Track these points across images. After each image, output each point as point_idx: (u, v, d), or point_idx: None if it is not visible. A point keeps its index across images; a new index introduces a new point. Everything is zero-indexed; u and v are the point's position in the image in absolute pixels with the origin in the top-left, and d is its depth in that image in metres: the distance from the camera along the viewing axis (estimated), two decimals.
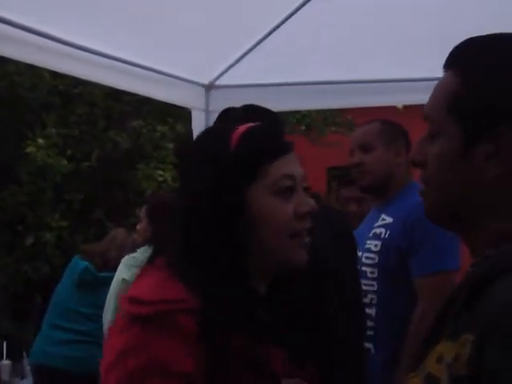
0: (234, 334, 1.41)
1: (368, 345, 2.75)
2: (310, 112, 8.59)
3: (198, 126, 4.26)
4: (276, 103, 4.16)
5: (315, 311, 1.81)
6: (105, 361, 1.40)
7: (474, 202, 1.16)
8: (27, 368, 6.20)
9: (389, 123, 3.06)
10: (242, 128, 1.56)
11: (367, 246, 2.88)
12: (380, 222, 2.93)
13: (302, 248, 1.56)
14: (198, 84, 4.25)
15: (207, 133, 1.66)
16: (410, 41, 3.58)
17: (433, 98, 1.22)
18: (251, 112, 2.37)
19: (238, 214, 1.48)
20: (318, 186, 6.56)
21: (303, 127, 8.86)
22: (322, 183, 7.75)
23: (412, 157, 1.26)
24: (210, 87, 4.30)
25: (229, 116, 2.39)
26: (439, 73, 1.23)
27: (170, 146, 7.95)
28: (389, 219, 2.90)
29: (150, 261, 1.55)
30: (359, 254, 2.79)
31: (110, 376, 1.38)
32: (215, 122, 2.39)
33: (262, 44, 3.96)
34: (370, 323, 2.77)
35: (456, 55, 1.21)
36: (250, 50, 4.01)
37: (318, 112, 8.63)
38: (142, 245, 4.20)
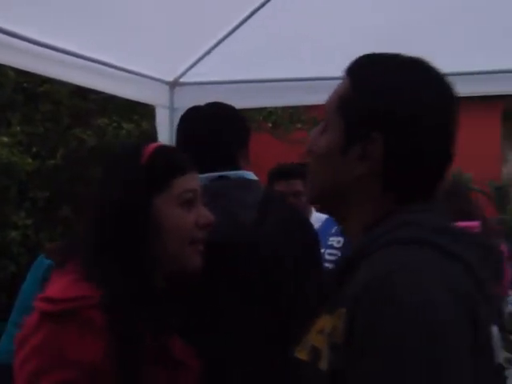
0: (138, 325, 1.57)
1: None
2: (276, 109, 8.62)
3: (163, 123, 4.26)
4: (241, 100, 4.19)
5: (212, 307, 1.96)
6: (18, 356, 1.57)
7: (345, 194, 1.34)
8: None
9: None
10: (153, 145, 1.77)
11: (330, 242, 2.91)
12: None
13: (198, 255, 1.77)
14: (162, 81, 4.24)
15: (125, 146, 1.84)
16: (363, 38, 3.60)
17: (331, 97, 1.40)
18: (214, 110, 2.40)
19: (145, 221, 1.66)
20: None
21: (269, 124, 8.88)
22: None
23: (308, 146, 1.42)
24: (174, 84, 4.29)
25: (193, 115, 2.41)
26: None
27: None
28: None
29: (61, 265, 1.69)
30: (322, 250, 2.81)
31: (22, 370, 1.56)
32: (179, 121, 2.42)
33: (226, 41, 3.97)
34: None
35: (354, 66, 1.39)
36: (215, 46, 4.01)
37: (284, 109, 8.65)
38: None
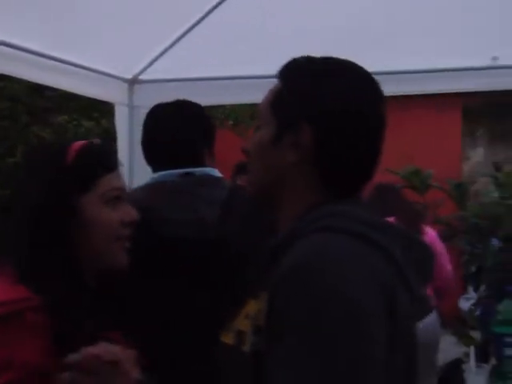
0: (78, 324, 1.59)
1: None
2: (236, 107, 8.61)
3: (122, 121, 4.22)
4: (201, 98, 4.13)
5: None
6: None
7: (279, 184, 1.42)
8: None
9: None
10: (79, 144, 1.77)
11: None
12: None
13: (124, 252, 1.79)
14: (121, 79, 4.19)
15: (48, 145, 1.83)
16: (323, 36, 3.61)
17: (264, 98, 1.48)
18: (180, 108, 2.40)
19: (71, 222, 1.69)
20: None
21: (231, 122, 8.88)
22: None
23: (244, 146, 1.51)
24: (133, 82, 4.25)
25: (158, 112, 2.41)
26: None
27: None
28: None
29: None
30: None
31: None
32: (145, 118, 2.41)
33: (185, 38, 3.94)
34: None
35: (285, 69, 1.47)
36: (174, 43, 3.98)
37: (245, 106, 8.64)
38: None
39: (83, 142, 1.81)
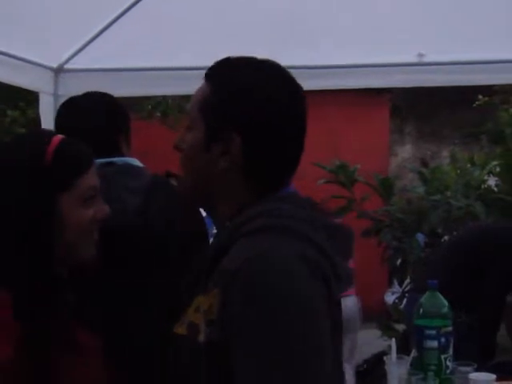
0: (47, 316, 1.63)
1: None
2: (165, 98, 8.56)
3: (47, 110, 4.12)
4: (128, 88, 4.14)
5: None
6: None
7: (211, 186, 1.48)
8: None
9: None
10: (55, 142, 1.77)
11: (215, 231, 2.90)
12: None
13: (92, 244, 1.84)
14: (46, 67, 4.11)
15: (22, 142, 1.86)
16: (252, 28, 3.60)
17: (193, 99, 1.51)
18: (93, 98, 2.39)
19: (48, 219, 1.70)
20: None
21: (158, 114, 8.82)
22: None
23: (175, 142, 1.53)
24: (59, 71, 4.17)
25: (71, 104, 2.40)
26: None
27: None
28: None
29: None
30: (211, 239, 2.81)
31: None
32: (58, 110, 2.40)
33: (112, 27, 3.89)
34: None
35: (212, 71, 1.51)
36: (100, 33, 3.92)
37: (173, 98, 8.60)
38: None
39: (60, 139, 1.80)
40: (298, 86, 1.51)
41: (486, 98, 9.39)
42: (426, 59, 3.47)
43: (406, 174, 12.07)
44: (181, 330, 1.45)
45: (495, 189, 7.24)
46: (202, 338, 1.37)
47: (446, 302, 2.44)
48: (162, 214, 2.19)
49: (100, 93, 2.43)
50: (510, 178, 8.58)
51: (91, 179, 1.83)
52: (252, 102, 1.44)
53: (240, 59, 1.51)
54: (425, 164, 11.82)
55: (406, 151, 13.78)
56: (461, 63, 3.68)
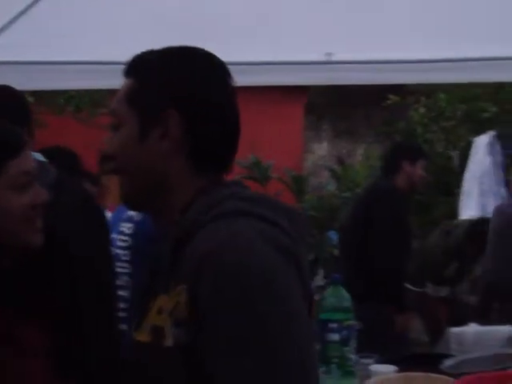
0: None
1: (123, 326, 2.75)
2: (78, 93, 8.43)
3: None
4: (40, 82, 4.06)
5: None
6: None
7: (155, 181, 1.41)
8: None
9: None
10: None
11: (121, 228, 2.89)
12: None
13: (36, 232, 1.78)
14: None
15: None
16: (167, 22, 3.59)
17: (117, 96, 1.45)
18: None
19: None
20: (92, 168, 6.52)
21: (71, 108, 8.68)
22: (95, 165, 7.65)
23: (102, 152, 1.46)
24: None
25: None
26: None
27: None
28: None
29: None
30: (114, 236, 2.81)
31: None
32: None
33: (25, 17, 3.78)
34: (123, 305, 2.77)
35: (136, 62, 1.47)
36: (12, 22, 3.82)
37: (88, 93, 8.48)
38: None
39: None
40: (224, 64, 1.48)
41: (397, 98, 9.58)
42: (334, 58, 3.51)
43: (322, 171, 12.22)
44: (143, 336, 1.36)
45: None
46: (169, 342, 1.28)
47: (348, 296, 2.49)
48: (62, 212, 2.17)
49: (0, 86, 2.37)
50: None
51: (24, 164, 1.76)
52: (183, 77, 1.42)
53: (160, 49, 1.48)
54: (341, 162, 11.98)
55: (322, 149, 13.93)
56: (369, 62, 3.74)
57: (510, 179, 4.79)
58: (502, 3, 3.51)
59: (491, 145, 7.11)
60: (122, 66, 1.49)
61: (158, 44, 1.50)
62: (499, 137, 7.16)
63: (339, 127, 13.71)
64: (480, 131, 7.64)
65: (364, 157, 10.56)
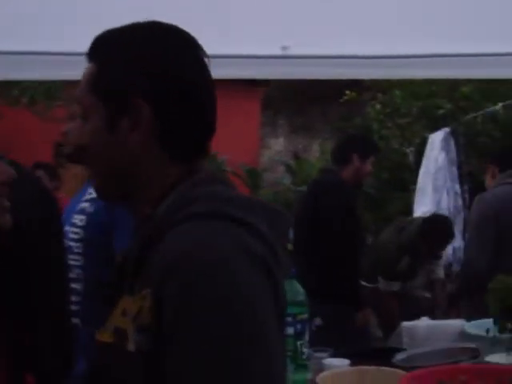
0: None
1: (75, 320, 2.72)
2: (34, 84, 8.33)
3: None
4: None
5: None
6: None
7: (127, 172, 1.34)
8: None
9: None
10: None
11: (74, 220, 2.87)
12: (87, 196, 2.91)
13: (3, 212, 1.71)
14: None
15: None
16: (134, 10, 3.54)
17: (81, 85, 1.37)
18: None
19: None
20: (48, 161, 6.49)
21: (25, 100, 8.57)
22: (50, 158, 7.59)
23: (70, 144, 1.43)
24: None
25: None
26: None
27: None
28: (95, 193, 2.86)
29: None
30: (67, 228, 2.78)
31: None
32: None
33: None
34: (76, 298, 2.75)
35: (93, 48, 1.37)
36: None
37: (43, 84, 8.38)
38: None
39: None
40: (198, 46, 1.38)
41: (354, 94, 9.64)
42: (291, 52, 3.51)
43: (278, 166, 12.26)
44: (106, 336, 1.29)
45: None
46: (131, 346, 1.22)
47: (302, 290, 2.49)
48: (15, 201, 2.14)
49: None
50: (376, 172, 8.86)
51: None
52: (151, 56, 1.32)
53: (122, 27, 1.37)
54: (297, 157, 12.03)
55: (278, 144, 13.98)
56: (325, 57, 3.74)
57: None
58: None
59: (446, 141, 7.19)
60: (78, 57, 1.43)
61: None
62: (453, 133, 7.24)
63: (296, 122, 13.77)
64: (435, 128, 7.72)
65: (320, 152, 10.60)
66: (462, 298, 4.47)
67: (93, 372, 1.37)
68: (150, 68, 1.31)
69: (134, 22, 1.37)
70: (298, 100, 12.91)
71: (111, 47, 1.35)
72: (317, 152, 11.53)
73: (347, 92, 9.59)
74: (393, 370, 2.44)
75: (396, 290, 5.13)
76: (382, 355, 2.62)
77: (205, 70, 1.37)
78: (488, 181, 4.40)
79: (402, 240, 5.14)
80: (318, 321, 4.09)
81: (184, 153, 1.35)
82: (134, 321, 1.22)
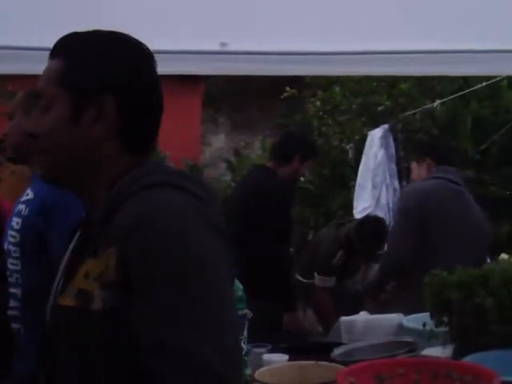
0: None
1: (15, 325, 2.66)
2: None
3: None
4: None
5: None
6: None
7: (83, 161, 1.44)
8: None
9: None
10: None
11: (12, 223, 2.77)
12: (24, 198, 2.82)
13: None
14: None
15: None
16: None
17: (44, 77, 1.48)
18: None
19: None
20: None
21: None
22: None
23: (28, 130, 1.54)
24: None
25: None
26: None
27: None
28: (31, 195, 2.79)
29: None
30: (8, 231, 2.72)
31: None
32: None
33: None
34: (15, 303, 2.67)
35: (64, 43, 1.49)
36: None
37: None
38: None
39: None
40: (146, 49, 1.52)
41: (294, 90, 9.66)
42: (229, 48, 3.50)
43: (219, 163, 12.25)
44: (67, 301, 1.37)
45: (301, 178, 7.49)
46: (96, 305, 1.30)
47: (241, 286, 2.49)
48: None
49: None
50: (316, 169, 8.92)
51: None
52: (116, 58, 1.45)
53: (88, 31, 1.50)
54: (237, 153, 12.03)
55: (219, 141, 13.97)
56: (264, 53, 3.74)
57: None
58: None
59: (385, 138, 7.26)
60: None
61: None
62: (392, 130, 7.32)
63: (237, 119, 13.77)
64: (374, 125, 7.79)
65: (261, 149, 10.61)
66: (380, 288, 4.52)
67: (45, 347, 1.46)
68: (116, 68, 1.45)
69: (96, 29, 1.50)
70: (239, 97, 12.91)
71: (80, 46, 1.47)
72: (258, 149, 11.54)
73: (287, 89, 9.61)
74: (331, 364, 2.46)
75: (332, 286, 5.15)
76: (321, 350, 2.64)
77: (155, 71, 1.51)
78: (421, 172, 4.42)
79: (339, 236, 5.16)
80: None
81: (138, 146, 1.47)
82: (99, 279, 1.31)
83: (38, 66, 3.90)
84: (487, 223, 4.43)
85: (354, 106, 9.13)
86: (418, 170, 4.46)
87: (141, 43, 1.52)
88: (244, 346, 2.46)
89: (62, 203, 2.59)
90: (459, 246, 4.02)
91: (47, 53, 1.52)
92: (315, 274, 5.17)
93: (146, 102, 1.48)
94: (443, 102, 7.96)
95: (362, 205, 7.12)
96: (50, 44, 1.52)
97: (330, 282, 5.16)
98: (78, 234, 1.55)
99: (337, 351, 2.60)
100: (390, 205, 7.08)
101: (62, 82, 1.44)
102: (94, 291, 1.31)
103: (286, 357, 2.59)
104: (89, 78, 1.43)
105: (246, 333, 2.47)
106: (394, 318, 3.05)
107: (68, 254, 1.55)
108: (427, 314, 2.62)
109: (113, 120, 1.43)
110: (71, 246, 1.55)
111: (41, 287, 2.69)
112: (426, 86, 8.61)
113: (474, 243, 4.13)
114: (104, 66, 1.44)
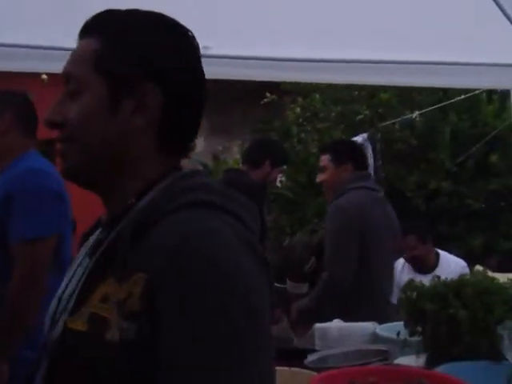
0: None
1: None
2: None
3: None
4: None
5: None
6: None
7: (116, 155, 1.27)
8: None
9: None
10: None
11: None
12: None
13: None
14: None
15: None
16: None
17: (75, 58, 1.30)
18: None
19: None
20: None
21: None
22: None
23: (49, 117, 1.29)
24: None
25: None
26: None
27: None
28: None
29: None
30: None
31: None
32: None
33: None
34: None
35: (96, 22, 1.31)
36: None
37: None
38: None
39: None
40: (191, 35, 1.35)
41: (274, 96, 9.67)
42: (211, 52, 3.50)
43: (197, 167, 12.23)
44: (77, 324, 1.19)
45: (279, 184, 7.50)
46: (113, 335, 1.12)
47: None
48: None
49: None
50: (293, 175, 8.93)
51: None
52: (161, 47, 1.28)
53: (123, 10, 1.33)
54: (216, 158, 12.02)
55: (198, 145, 13.92)
56: (245, 58, 3.76)
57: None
58: (388, 9, 3.57)
59: (363, 147, 7.28)
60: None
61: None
62: (371, 139, 7.34)
63: (215, 123, 13.75)
64: (353, 133, 7.81)
65: (239, 153, 10.62)
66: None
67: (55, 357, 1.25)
68: (160, 56, 1.28)
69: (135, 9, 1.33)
70: (218, 101, 12.90)
71: (121, 27, 1.30)
72: (236, 153, 11.53)
73: (268, 94, 9.61)
74: (304, 371, 2.45)
75: (304, 292, 5.13)
76: (294, 356, 2.63)
77: (202, 69, 1.36)
78: (339, 174, 4.28)
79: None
80: None
81: (176, 146, 1.34)
82: (119, 307, 1.14)
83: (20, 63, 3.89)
84: (398, 226, 4.39)
85: (333, 114, 9.14)
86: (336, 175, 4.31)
87: (186, 28, 1.35)
88: None
89: (26, 196, 2.76)
90: (387, 257, 4.07)
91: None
92: (287, 280, 5.16)
93: (194, 98, 1.32)
94: (422, 113, 8.00)
95: None
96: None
97: (302, 288, 5.14)
98: (94, 238, 1.36)
99: (310, 358, 2.60)
100: None
101: (95, 65, 1.27)
102: (111, 318, 1.14)
103: None
104: (127, 61, 1.27)
105: None
106: (368, 326, 3.06)
107: (81, 260, 1.36)
108: (401, 323, 2.63)
109: (155, 113, 1.27)
110: (85, 251, 1.36)
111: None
112: (406, 96, 8.65)
113: (391, 251, 4.21)
114: (146, 49, 1.27)
